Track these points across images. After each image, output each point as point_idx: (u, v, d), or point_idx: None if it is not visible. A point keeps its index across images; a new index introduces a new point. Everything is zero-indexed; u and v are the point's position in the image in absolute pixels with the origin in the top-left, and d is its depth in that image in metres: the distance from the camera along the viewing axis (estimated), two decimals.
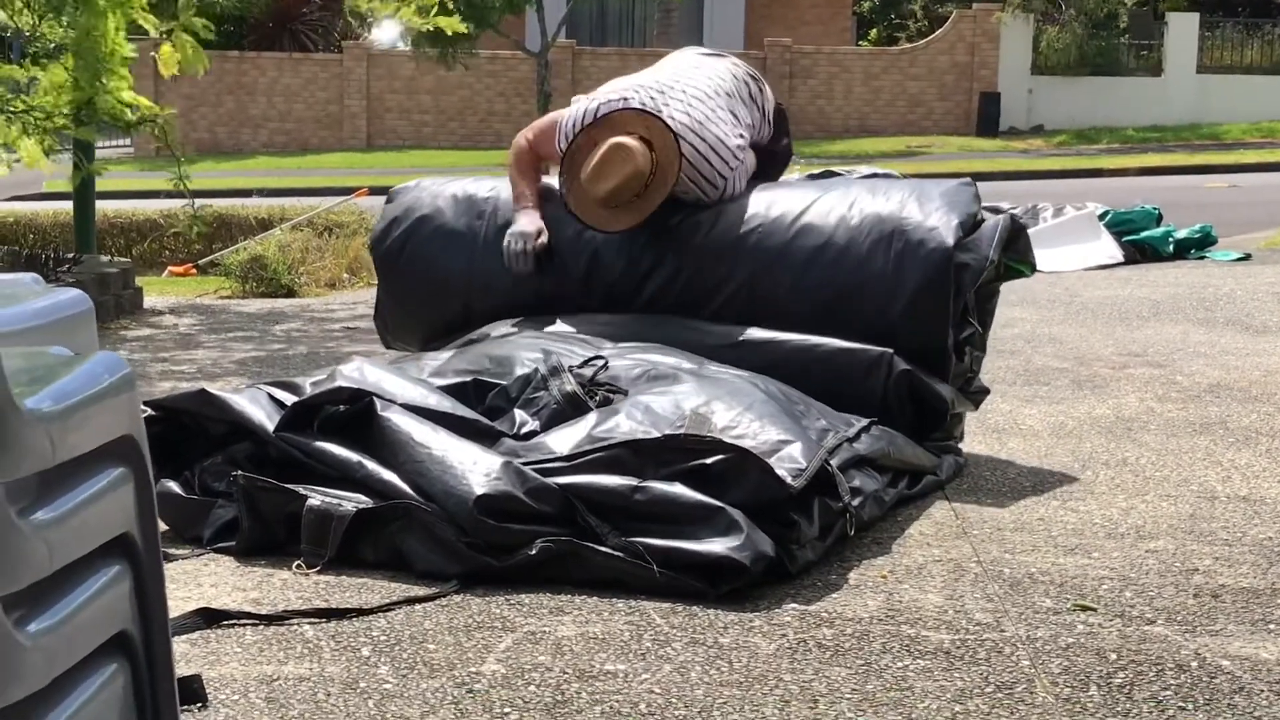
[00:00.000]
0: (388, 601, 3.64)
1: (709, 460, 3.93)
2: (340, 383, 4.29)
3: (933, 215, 4.90)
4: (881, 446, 4.48)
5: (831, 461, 4.09)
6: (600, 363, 4.56)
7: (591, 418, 4.24)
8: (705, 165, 5.12)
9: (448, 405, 4.32)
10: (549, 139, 5.33)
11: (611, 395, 4.44)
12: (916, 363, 4.79)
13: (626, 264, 5.16)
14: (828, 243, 4.95)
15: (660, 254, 5.14)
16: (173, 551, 4.03)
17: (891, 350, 4.75)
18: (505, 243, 5.22)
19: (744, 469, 3.90)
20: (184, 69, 9.38)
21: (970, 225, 4.94)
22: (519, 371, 4.52)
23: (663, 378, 4.46)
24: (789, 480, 3.87)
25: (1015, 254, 5.08)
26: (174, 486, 4.21)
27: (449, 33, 10.76)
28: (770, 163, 5.52)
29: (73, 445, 1.45)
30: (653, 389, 4.38)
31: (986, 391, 5.33)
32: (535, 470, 3.98)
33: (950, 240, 4.83)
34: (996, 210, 11.85)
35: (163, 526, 4.21)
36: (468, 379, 4.54)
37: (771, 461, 3.92)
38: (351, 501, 3.96)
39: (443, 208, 5.46)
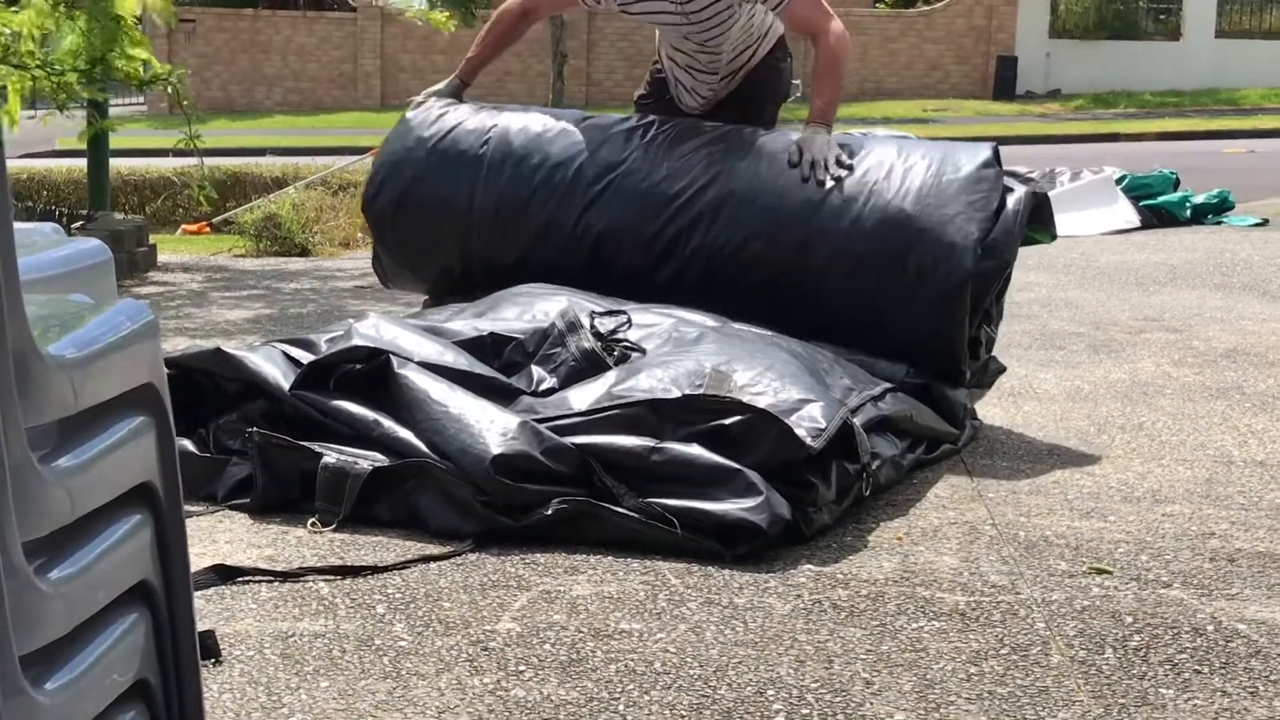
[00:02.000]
0: (403, 559, 3.64)
1: (728, 421, 3.92)
2: (356, 341, 4.28)
3: (951, 226, 4.68)
4: (904, 410, 4.47)
5: (854, 420, 4.07)
6: (623, 318, 4.54)
7: (610, 375, 4.22)
8: None
9: (464, 362, 4.31)
10: None
11: (630, 352, 4.43)
12: (932, 369, 4.72)
13: (639, 254, 5.02)
14: (843, 250, 4.76)
15: (670, 246, 4.98)
16: (188, 508, 4.01)
17: (905, 370, 4.69)
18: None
19: (763, 429, 3.89)
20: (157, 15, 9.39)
21: (992, 220, 4.76)
22: (536, 325, 4.51)
23: (683, 337, 4.44)
24: (808, 440, 3.86)
25: (1036, 224, 5.03)
26: (189, 444, 4.20)
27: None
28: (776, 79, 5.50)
29: (94, 392, 1.44)
30: (674, 347, 4.36)
31: (1001, 370, 5.28)
32: (552, 426, 3.98)
33: (969, 263, 4.65)
34: (1016, 175, 11.84)
35: None
36: (484, 333, 4.53)
37: (791, 421, 3.90)
38: (367, 459, 3.96)
39: (435, 164, 5.32)
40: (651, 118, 5.26)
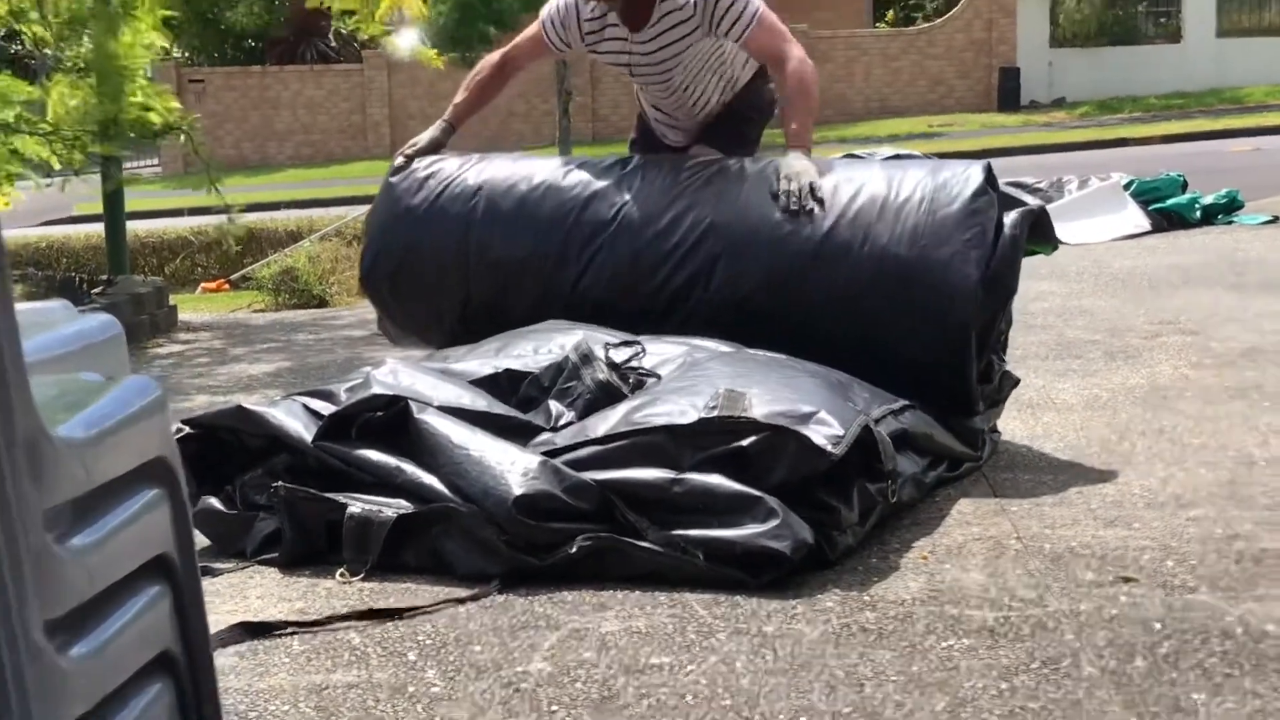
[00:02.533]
0: (431, 604, 3.65)
1: (745, 442, 3.92)
2: (375, 389, 4.31)
3: (951, 271, 4.61)
4: (924, 427, 4.47)
5: (875, 426, 4.07)
6: (637, 348, 4.55)
7: (626, 404, 4.23)
8: None
9: (483, 403, 4.33)
10: (529, 38, 5.41)
11: (645, 379, 4.44)
12: (943, 402, 4.67)
13: (639, 314, 4.95)
14: (844, 299, 4.70)
15: (669, 305, 4.94)
16: (217, 566, 4.06)
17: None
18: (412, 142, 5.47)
19: (782, 445, 3.89)
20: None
21: (991, 248, 4.71)
22: (550, 359, 4.53)
23: (697, 362, 4.45)
24: (828, 448, 3.87)
25: (1037, 238, 5.00)
26: (215, 502, 4.24)
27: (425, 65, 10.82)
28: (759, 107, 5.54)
29: (106, 470, 1.46)
30: (688, 372, 4.37)
31: (1016, 382, 5.26)
32: (571, 458, 4.00)
33: (972, 306, 4.61)
34: (1023, 186, 11.84)
35: (206, 542, 4.25)
36: (499, 370, 4.56)
37: (807, 430, 3.90)
38: (392, 507, 3.98)
39: (425, 234, 5.29)
40: (636, 162, 5.24)
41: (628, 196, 5.08)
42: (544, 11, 5.32)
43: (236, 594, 3.85)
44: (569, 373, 4.47)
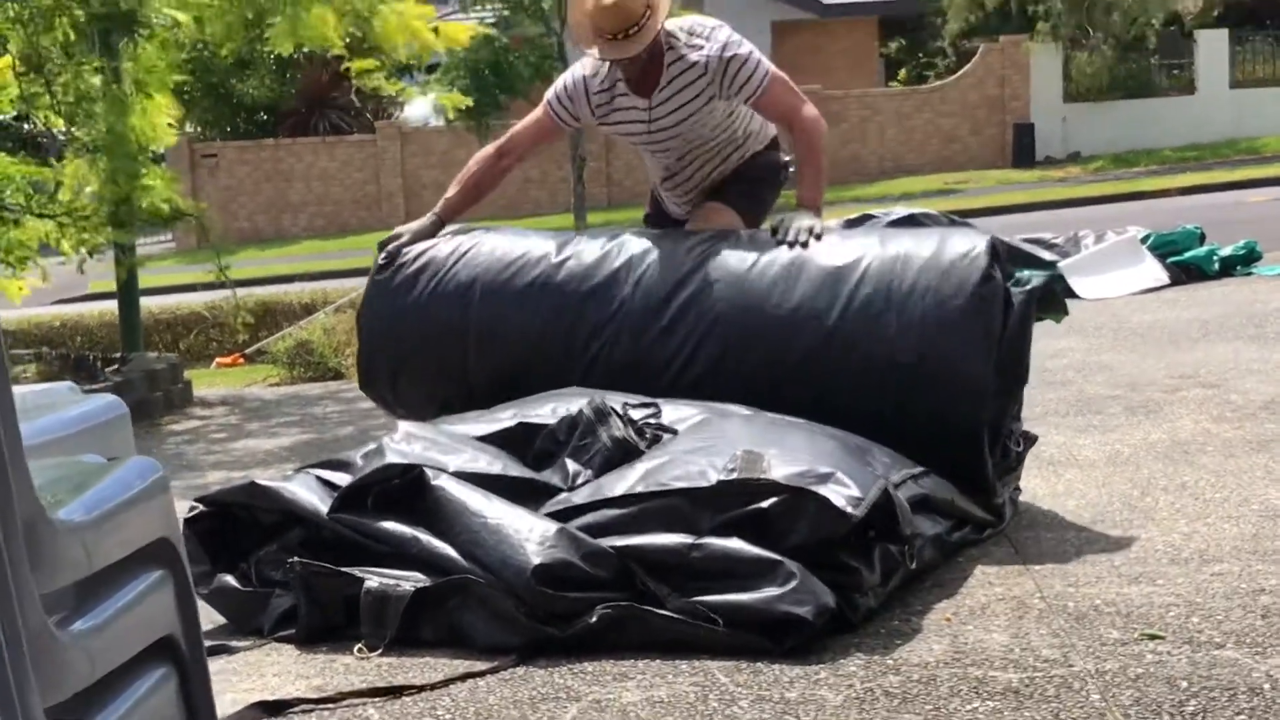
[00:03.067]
0: (448, 678, 3.62)
1: (765, 504, 3.89)
2: (390, 458, 4.27)
3: (962, 373, 4.51)
4: (945, 493, 4.42)
5: (894, 491, 4.02)
6: (654, 409, 4.53)
7: (643, 464, 4.20)
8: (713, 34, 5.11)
9: (498, 466, 4.29)
10: (531, 125, 5.35)
11: (661, 434, 4.42)
12: (960, 485, 4.57)
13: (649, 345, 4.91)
14: (854, 404, 4.56)
15: (680, 365, 4.85)
16: (234, 644, 4.03)
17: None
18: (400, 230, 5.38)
19: (802, 506, 3.86)
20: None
21: (1000, 330, 4.60)
22: (564, 413, 4.50)
23: (715, 423, 4.41)
24: (848, 510, 3.83)
25: (1045, 309, 4.90)
26: (231, 580, 4.21)
27: (449, 111, 10.88)
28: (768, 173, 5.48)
29: (108, 552, 1.45)
30: (706, 432, 4.34)
31: (1034, 440, 5.19)
32: (588, 521, 3.98)
33: (982, 407, 4.54)
34: (1040, 243, 11.79)
35: (222, 620, 4.23)
36: (513, 423, 4.55)
37: (827, 492, 3.87)
38: (409, 580, 3.95)
39: (421, 338, 5.17)
40: (634, 243, 5.08)
41: (628, 290, 4.93)
42: (549, 94, 5.27)
43: (254, 672, 3.82)
44: (584, 428, 4.44)
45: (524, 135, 5.37)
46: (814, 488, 3.88)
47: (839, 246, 4.85)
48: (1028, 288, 4.76)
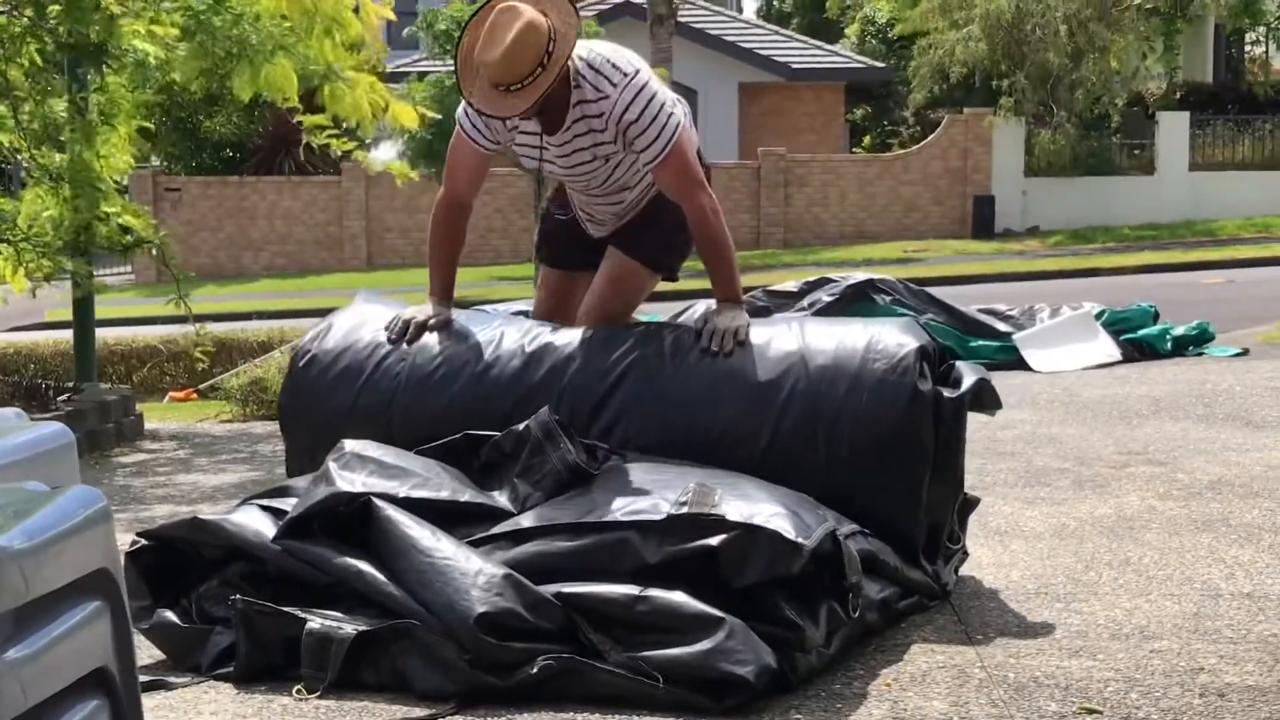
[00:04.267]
0: None
1: (714, 541, 3.88)
2: (339, 485, 4.19)
3: (893, 496, 4.44)
4: (890, 559, 4.42)
5: (842, 540, 4.00)
6: (604, 450, 4.50)
7: (595, 491, 4.19)
8: (620, 76, 4.72)
9: (447, 491, 4.26)
10: (463, 167, 4.99)
11: (612, 458, 4.41)
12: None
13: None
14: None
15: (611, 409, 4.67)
16: (171, 680, 4.00)
17: None
18: (399, 313, 5.01)
19: (752, 543, 3.86)
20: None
21: (935, 436, 4.50)
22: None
23: (667, 463, 4.39)
24: (800, 540, 3.84)
25: (978, 407, 4.76)
26: (171, 615, 4.18)
27: (398, 180, 10.89)
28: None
29: (46, 580, 1.44)
30: (658, 464, 4.33)
31: (975, 503, 5.16)
32: (538, 546, 4.00)
33: (917, 524, 4.50)
34: (993, 313, 11.88)
35: (161, 655, 4.20)
36: (458, 436, 4.53)
37: (777, 526, 3.87)
38: (351, 624, 3.94)
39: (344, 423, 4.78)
40: (556, 355, 4.77)
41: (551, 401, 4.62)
42: (462, 123, 4.88)
43: (190, 709, 3.79)
44: (533, 446, 4.41)
45: (462, 180, 5.00)
46: (764, 524, 3.89)
47: (763, 360, 4.62)
48: (960, 392, 4.58)
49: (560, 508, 4.16)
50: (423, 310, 5.01)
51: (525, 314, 10.39)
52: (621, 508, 4.05)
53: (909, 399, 4.46)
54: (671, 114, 4.78)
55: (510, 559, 4.01)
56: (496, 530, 4.14)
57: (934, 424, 4.50)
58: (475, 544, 4.08)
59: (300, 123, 9.97)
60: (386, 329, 4.97)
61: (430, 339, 4.94)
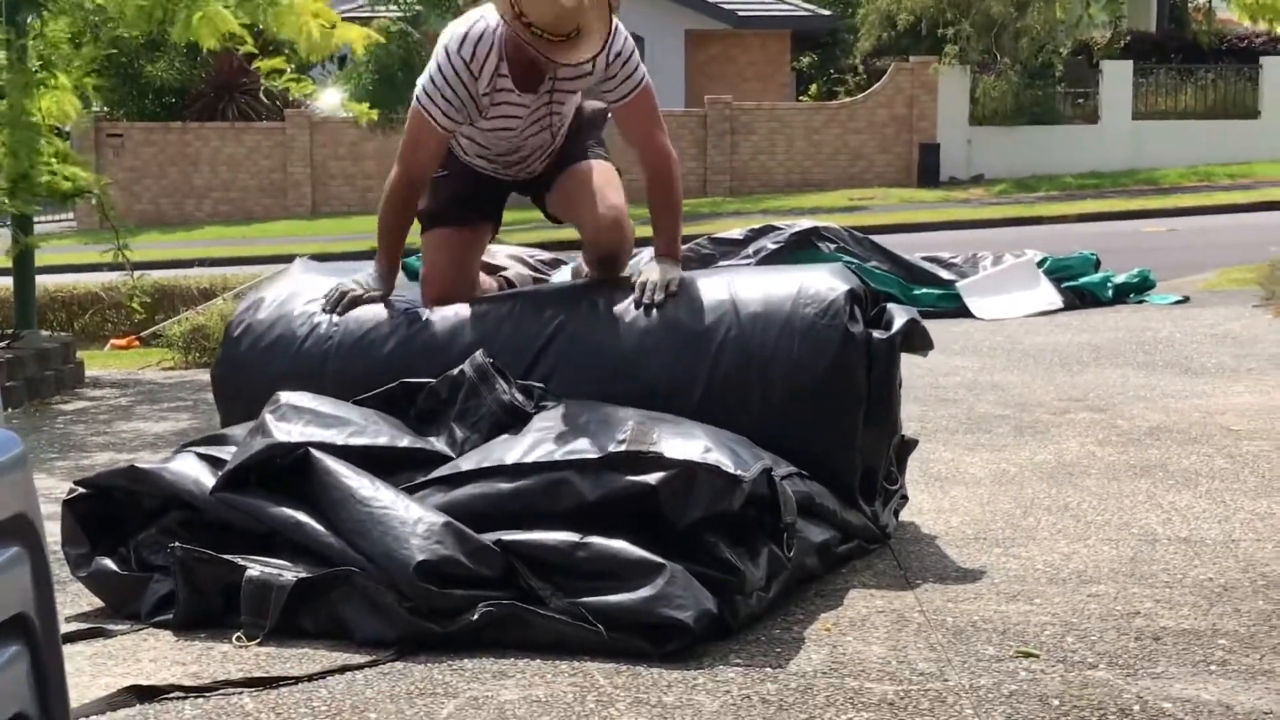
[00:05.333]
0: (326, 669, 3.60)
1: (654, 480, 3.89)
2: (277, 436, 4.17)
3: (826, 439, 4.46)
4: (829, 501, 4.44)
5: (777, 480, 4.02)
6: (540, 390, 4.49)
7: (533, 430, 4.19)
8: None
9: (385, 437, 4.25)
10: (427, 149, 4.82)
11: (548, 399, 4.40)
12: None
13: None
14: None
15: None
16: (110, 628, 3.99)
17: None
18: (340, 282, 4.91)
19: (691, 480, 3.88)
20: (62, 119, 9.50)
21: (865, 388, 4.51)
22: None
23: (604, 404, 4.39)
24: (739, 473, 3.87)
25: (910, 348, 4.75)
26: (109, 563, 4.16)
27: (361, 121, 10.81)
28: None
29: None
30: (596, 405, 4.33)
31: (914, 444, 5.17)
32: (477, 488, 4.00)
33: (854, 473, 4.53)
34: (936, 261, 11.92)
35: (100, 604, 4.18)
36: (394, 385, 4.52)
37: (715, 460, 3.90)
38: (291, 570, 3.93)
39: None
40: (486, 325, 4.72)
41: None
42: (428, 106, 4.70)
43: (129, 657, 3.78)
44: (468, 390, 4.41)
45: (423, 162, 4.86)
46: (703, 459, 3.90)
47: (695, 310, 4.61)
48: (891, 333, 4.58)
49: (498, 449, 4.16)
50: (362, 283, 4.92)
51: None
52: (559, 447, 4.06)
53: (840, 343, 4.47)
54: (641, 63, 4.75)
55: (449, 501, 4.00)
56: (435, 475, 4.13)
57: (866, 366, 4.52)
58: (414, 489, 4.08)
59: (255, 67, 9.86)
60: (324, 297, 4.90)
61: (364, 307, 4.88)
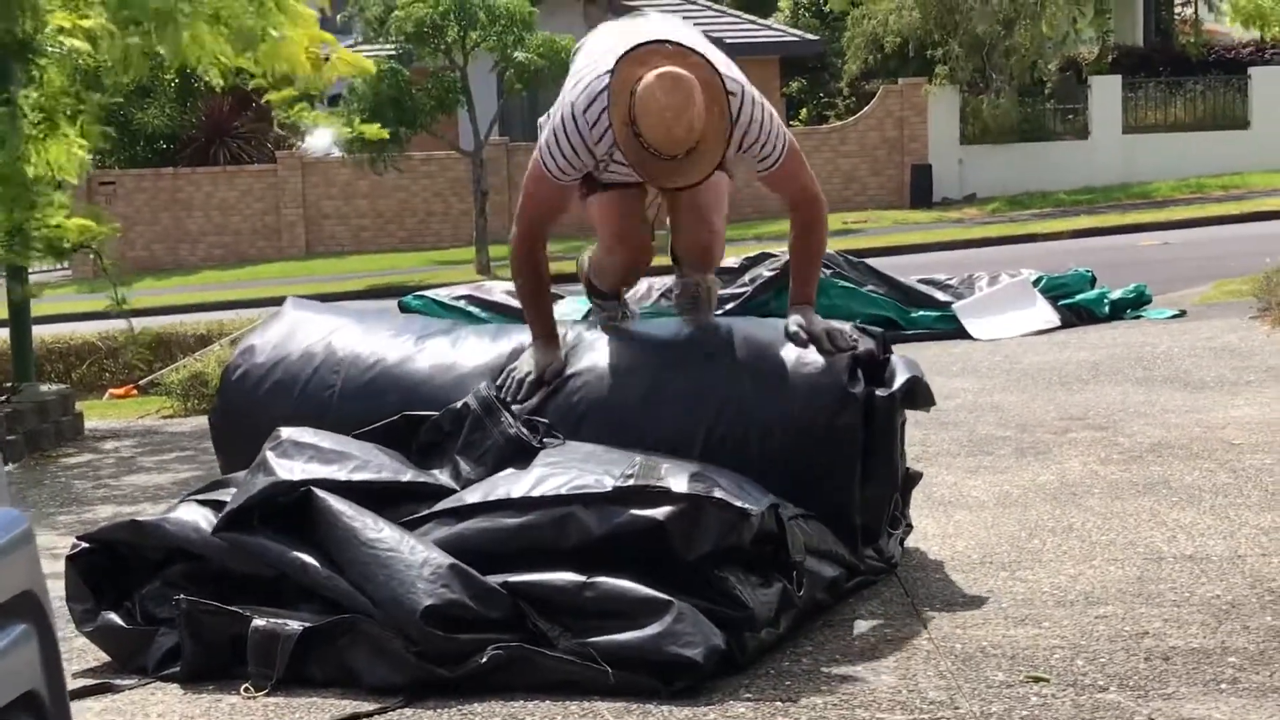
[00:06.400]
0: (335, 718, 3.59)
1: (660, 514, 3.89)
2: (279, 474, 4.16)
3: (826, 496, 4.40)
4: (831, 545, 4.40)
5: (784, 517, 4.02)
6: (544, 425, 4.48)
7: (539, 464, 4.18)
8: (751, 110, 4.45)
9: (388, 473, 4.24)
10: (546, 206, 4.65)
11: (553, 438, 4.39)
12: None
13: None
14: None
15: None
16: (118, 682, 3.98)
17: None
18: (510, 367, 4.67)
19: (700, 514, 3.88)
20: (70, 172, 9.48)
21: (865, 441, 4.47)
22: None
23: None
24: (746, 507, 3.86)
25: (911, 405, 4.74)
26: (114, 617, 4.15)
27: (372, 140, 10.82)
28: None
29: None
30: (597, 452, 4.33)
31: (918, 477, 5.13)
32: (482, 517, 4.00)
33: (853, 518, 4.48)
34: (932, 283, 11.91)
35: (106, 658, 4.17)
36: (396, 418, 4.51)
37: (723, 495, 3.91)
38: (297, 619, 3.92)
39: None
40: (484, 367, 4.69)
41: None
42: (545, 169, 4.53)
43: (138, 711, 3.77)
44: (473, 422, 4.40)
45: (545, 218, 4.69)
46: (710, 494, 3.90)
47: (696, 367, 4.60)
48: (890, 391, 4.55)
49: (504, 483, 4.15)
50: (538, 358, 4.67)
51: (468, 298, 10.31)
52: (566, 482, 4.05)
53: (838, 402, 4.42)
54: (779, 122, 4.61)
55: (454, 534, 4.00)
56: (440, 507, 4.12)
57: (865, 423, 4.47)
58: (419, 521, 4.07)
59: (266, 100, 9.86)
60: (500, 389, 4.60)
61: (362, 350, 4.85)
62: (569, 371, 4.64)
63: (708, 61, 4.34)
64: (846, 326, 4.67)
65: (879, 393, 4.53)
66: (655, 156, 4.29)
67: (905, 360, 4.74)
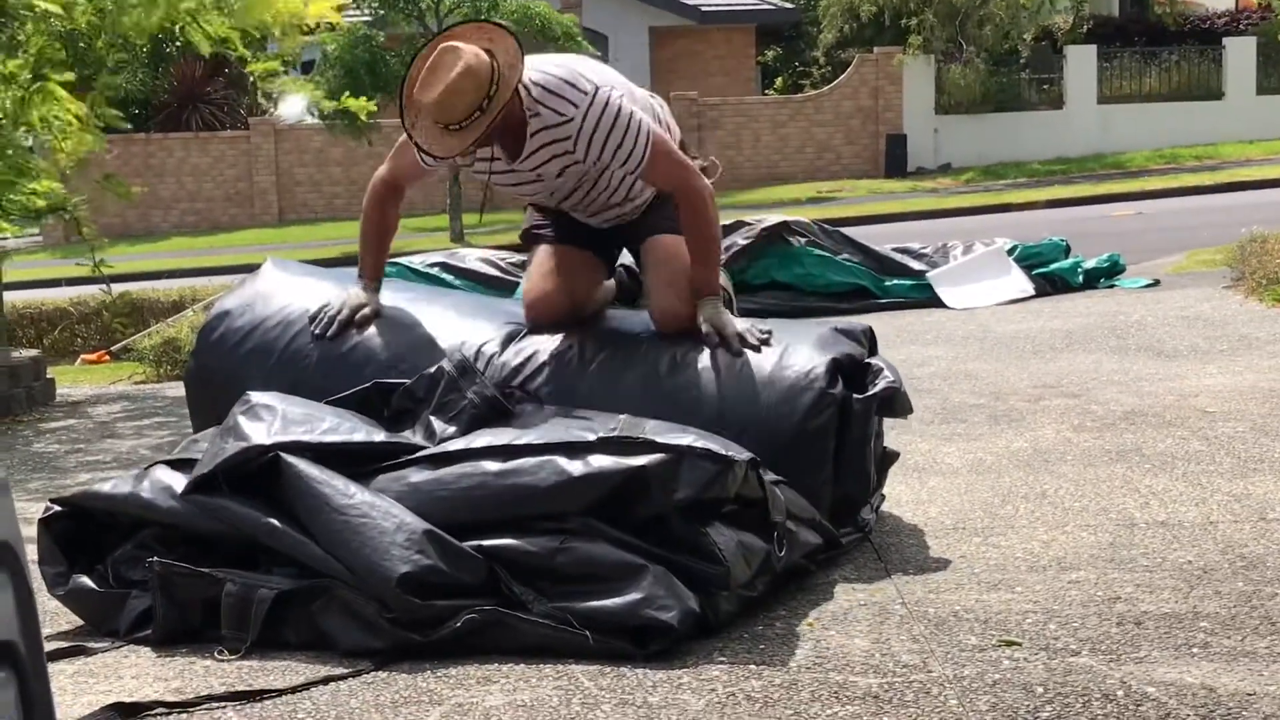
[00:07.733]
0: (309, 681, 3.59)
1: (644, 461, 3.89)
2: (252, 438, 4.12)
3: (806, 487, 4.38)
4: (807, 513, 4.40)
5: (762, 474, 4.02)
6: (520, 394, 4.48)
7: (517, 425, 4.18)
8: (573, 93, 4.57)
9: (360, 433, 4.21)
10: (411, 164, 4.85)
11: (529, 400, 4.39)
12: None
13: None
14: None
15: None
16: (91, 645, 3.97)
17: None
18: (325, 303, 4.84)
19: (681, 463, 3.88)
20: (81, 152, 9.42)
21: (839, 445, 4.47)
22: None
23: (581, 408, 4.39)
24: (730, 454, 3.88)
25: (888, 412, 4.73)
26: (87, 581, 4.13)
27: (361, 115, 10.79)
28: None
29: None
30: (581, 408, 4.34)
31: (895, 456, 5.11)
32: (463, 463, 3.98)
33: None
34: (907, 251, 11.91)
35: (79, 622, 4.16)
36: (368, 385, 4.50)
37: (706, 444, 3.92)
38: (271, 583, 3.91)
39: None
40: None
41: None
42: (415, 141, 4.65)
43: (111, 674, 3.76)
44: (447, 384, 4.39)
45: (406, 176, 4.94)
46: (694, 444, 3.92)
47: (676, 365, 4.60)
48: (866, 395, 4.53)
49: (481, 439, 4.13)
50: (350, 299, 4.84)
51: (442, 265, 10.28)
52: (548, 434, 4.05)
53: (812, 404, 4.43)
54: (641, 120, 4.63)
55: (432, 478, 3.98)
56: (420, 454, 4.10)
57: (840, 427, 4.47)
58: (398, 466, 4.06)
59: (248, 70, 9.80)
60: (311, 322, 4.82)
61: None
62: (533, 365, 4.64)
63: (514, 52, 4.46)
64: (759, 324, 4.68)
65: (856, 396, 4.53)
66: (434, 125, 4.48)
67: (888, 366, 4.70)
